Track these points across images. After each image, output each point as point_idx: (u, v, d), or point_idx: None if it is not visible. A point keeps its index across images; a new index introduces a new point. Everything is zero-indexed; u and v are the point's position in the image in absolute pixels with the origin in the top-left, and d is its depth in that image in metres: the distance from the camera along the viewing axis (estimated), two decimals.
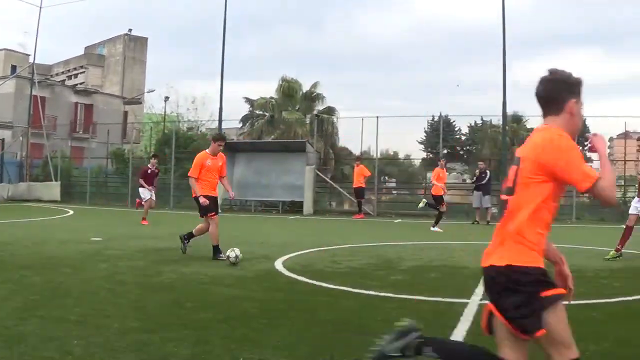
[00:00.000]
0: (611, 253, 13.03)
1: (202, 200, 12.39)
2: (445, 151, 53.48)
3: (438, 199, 22.74)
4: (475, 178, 26.51)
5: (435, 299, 8.52)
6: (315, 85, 49.48)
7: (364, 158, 34.45)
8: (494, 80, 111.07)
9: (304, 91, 49.13)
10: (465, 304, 8.00)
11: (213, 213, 12.53)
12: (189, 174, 12.84)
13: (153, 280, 9.72)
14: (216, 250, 12.38)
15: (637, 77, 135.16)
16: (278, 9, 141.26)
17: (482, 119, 54.15)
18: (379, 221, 27.35)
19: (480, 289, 9.17)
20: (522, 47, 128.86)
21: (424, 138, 66.01)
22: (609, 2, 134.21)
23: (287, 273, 10.62)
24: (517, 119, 51.35)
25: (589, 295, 8.86)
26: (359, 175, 29.21)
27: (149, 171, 22.84)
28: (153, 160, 23.32)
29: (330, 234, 19.63)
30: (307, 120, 45.57)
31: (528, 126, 53.11)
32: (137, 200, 24.49)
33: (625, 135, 40.04)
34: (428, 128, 64.44)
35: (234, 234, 17.85)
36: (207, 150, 13.01)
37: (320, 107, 49.09)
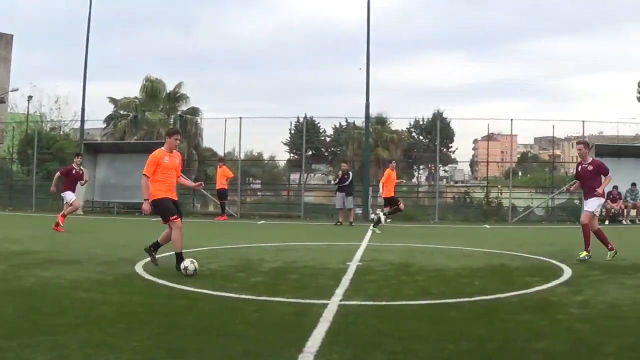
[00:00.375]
0: (610, 254, 13.19)
1: (145, 206, 11.35)
2: (309, 153, 54.02)
3: (390, 200, 23.13)
4: (337, 179, 26.88)
5: (296, 301, 8.62)
6: (179, 85, 48.85)
7: (228, 159, 34.37)
8: (359, 82, 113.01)
9: (168, 91, 48.46)
10: (325, 305, 8.15)
11: (175, 216, 11.09)
12: (143, 172, 11.21)
13: (12, 285, 9.46)
14: (179, 258, 10.91)
15: (499, 81, 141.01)
16: (147, 8, 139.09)
17: (346, 121, 54.90)
18: (242, 223, 27.44)
19: (340, 290, 9.41)
20: (388, 50, 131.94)
21: (289, 139, 66.29)
22: (475, 7, 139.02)
23: (147, 276, 10.53)
24: (381, 121, 52.42)
25: (449, 295, 9.24)
26: (222, 176, 29.23)
27: (74, 171, 20.41)
28: (77, 159, 20.87)
29: (192, 236, 19.38)
30: (171, 121, 44.99)
31: (392, 128, 54.42)
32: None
33: (489, 137, 41.59)
34: (293, 129, 64.88)
35: (96, 237, 17.58)
36: (162, 147, 11.51)
37: (184, 107, 48.47)
